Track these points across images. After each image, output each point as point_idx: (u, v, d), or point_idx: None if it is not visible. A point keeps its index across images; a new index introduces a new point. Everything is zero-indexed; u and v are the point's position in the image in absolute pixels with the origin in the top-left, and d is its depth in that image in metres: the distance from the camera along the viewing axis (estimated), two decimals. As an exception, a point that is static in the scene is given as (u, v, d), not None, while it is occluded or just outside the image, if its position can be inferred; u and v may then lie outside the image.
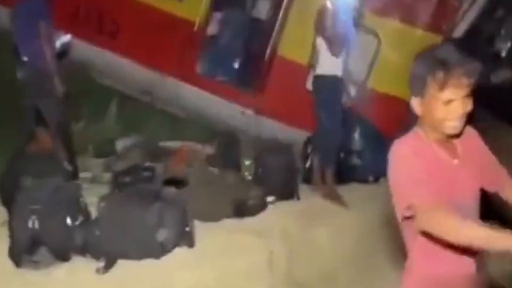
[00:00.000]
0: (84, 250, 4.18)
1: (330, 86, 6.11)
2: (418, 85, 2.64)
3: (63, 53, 6.22)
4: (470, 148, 2.77)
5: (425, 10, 7.22)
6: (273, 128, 7.82)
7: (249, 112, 7.95)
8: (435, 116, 2.64)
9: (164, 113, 8.23)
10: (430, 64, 2.60)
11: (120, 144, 7.10)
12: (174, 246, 4.42)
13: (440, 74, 2.56)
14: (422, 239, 2.64)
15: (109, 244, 4.16)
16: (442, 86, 2.57)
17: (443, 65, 2.57)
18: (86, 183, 6.15)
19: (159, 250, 4.29)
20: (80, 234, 4.15)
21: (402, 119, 6.96)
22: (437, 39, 7.19)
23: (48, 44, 5.60)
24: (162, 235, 4.28)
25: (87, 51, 8.27)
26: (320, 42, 6.10)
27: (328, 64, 6.07)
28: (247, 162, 6.05)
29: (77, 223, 4.16)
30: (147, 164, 6.11)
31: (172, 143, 7.54)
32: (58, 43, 6.02)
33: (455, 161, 2.71)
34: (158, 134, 7.75)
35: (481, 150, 2.83)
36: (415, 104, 2.69)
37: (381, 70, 7.41)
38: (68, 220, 4.11)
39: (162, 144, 7.45)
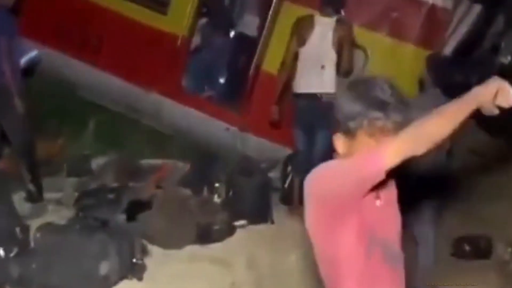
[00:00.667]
0: (19, 283, 3.87)
1: (306, 104, 5.81)
2: (345, 124, 2.31)
3: (30, 70, 5.95)
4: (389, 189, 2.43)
5: (414, 25, 6.85)
6: (259, 145, 7.51)
7: (234, 128, 7.65)
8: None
9: (148, 129, 7.94)
10: (365, 105, 2.26)
11: (96, 163, 6.82)
12: (120, 279, 4.11)
13: (373, 122, 2.24)
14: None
15: (46, 277, 3.86)
16: (372, 133, 2.26)
17: (380, 109, 2.24)
18: (52, 205, 5.88)
19: (102, 284, 3.97)
20: (15, 267, 3.85)
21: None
22: (427, 54, 6.83)
23: (8, 60, 5.32)
24: (105, 267, 3.97)
25: (70, 66, 8.04)
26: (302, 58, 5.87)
27: (305, 82, 5.80)
28: (217, 184, 5.72)
29: (11, 254, 3.86)
30: (114, 185, 5.85)
31: (153, 161, 7.27)
32: (24, 60, 5.75)
33: (377, 202, 2.37)
34: (141, 151, 7.48)
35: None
36: (339, 141, 2.35)
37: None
38: (1, 252, 3.82)
39: (143, 161, 7.18)
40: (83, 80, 8.05)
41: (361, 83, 2.35)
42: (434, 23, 6.82)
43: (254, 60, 7.41)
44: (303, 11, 6.88)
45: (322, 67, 5.84)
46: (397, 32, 6.91)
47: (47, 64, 7.85)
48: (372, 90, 2.27)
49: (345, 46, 5.90)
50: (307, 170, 2.38)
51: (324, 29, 5.84)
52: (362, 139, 2.27)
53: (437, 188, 5.43)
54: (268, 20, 7.29)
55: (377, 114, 2.23)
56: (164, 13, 7.71)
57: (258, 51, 7.36)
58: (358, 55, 7.02)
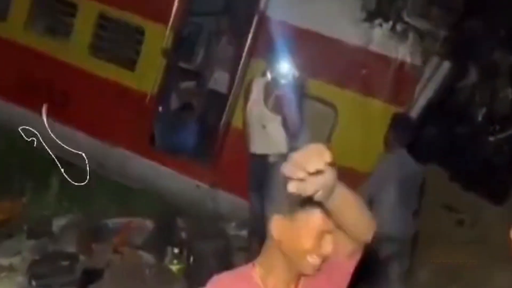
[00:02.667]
0: None
1: (256, 165, 5.55)
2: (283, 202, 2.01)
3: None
4: None
5: (383, 81, 6.61)
6: (230, 202, 7.17)
7: (204, 185, 7.31)
8: (299, 246, 1.99)
9: (114, 185, 7.58)
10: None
11: (57, 224, 6.44)
12: None
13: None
14: None
15: None
16: None
17: None
18: (5, 271, 5.48)
19: None
20: None
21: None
22: (397, 110, 6.58)
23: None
24: None
25: (34, 122, 7.70)
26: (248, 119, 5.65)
27: (253, 143, 5.56)
28: (176, 250, 5.34)
29: None
30: (70, 250, 5.47)
31: (118, 219, 6.89)
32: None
33: None
34: (107, 208, 7.11)
35: None
36: (276, 224, 2.03)
37: (338, 142, 6.77)
38: None
39: (107, 220, 6.80)
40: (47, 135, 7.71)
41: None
42: (403, 79, 6.58)
43: (224, 116, 7.14)
44: None
45: (263, 126, 5.65)
46: (366, 88, 6.66)
47: (10, 119, 7.63)
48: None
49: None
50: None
51: (258, 88, 5.73)
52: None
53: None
54: (237, 76, 7.04)
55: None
56: (131, 69, 7.46)
57: (228, 107, 7.09)
58: (327, 112, 6.80)
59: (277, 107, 5.65)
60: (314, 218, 2.01)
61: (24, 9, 7.83)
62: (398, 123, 5.42)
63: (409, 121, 5.80)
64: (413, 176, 5.38)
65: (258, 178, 5.53)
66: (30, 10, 7.84)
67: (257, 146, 5.62)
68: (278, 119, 5.70)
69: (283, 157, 5.73)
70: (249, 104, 5.71)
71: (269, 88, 5.68)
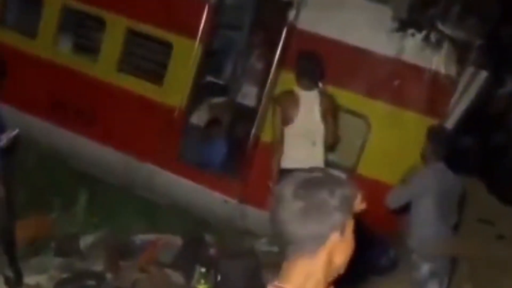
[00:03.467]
0: None
1: None
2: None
3: (9, 149, 5.47)
4: None
5: (417, 92, 6.34)
6: (259, 218, 6.91)
7: (233, 201, 7.09)
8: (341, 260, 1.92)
9: (142, 201, 7.41)
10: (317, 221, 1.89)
11: (85, 241, 6.27)
12: None
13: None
14: None
15: None
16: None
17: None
18: (30, 291, 5.32)
19: None
20: None
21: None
22: (432, 122, 6.30)
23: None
24: None
25: (63, 138, 7.61)
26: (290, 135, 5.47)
27: (294, 158, 5.35)
28: (203, 269, 5.10)
29: None
30: (97, 269, 5.29)
31: (145, 236, 6.71)
32: (4, 139, 5.28)
33: None
34: (134, 225, 6.94)
35: None
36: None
37: (371, 155, 6.52)
38: None
39: (135, 237, 6.61)
40: (76, 152, 7.61)
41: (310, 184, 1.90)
42: (438, 90, 6.30)
43: (253, 131, 6.94)
44: None
45: (313, 143, 5.55)
46: (399, 99, 6.41)
47: (39, 136, 7.55)
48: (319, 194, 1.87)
49: (328, 118, 5.64)
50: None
51: (309, 103, 5.59)
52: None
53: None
54: (266, 90, 6.84)
55: None
56: (159, 84, 7.32)
57: (257, 121, 6.89)
58: (359, 124, 6.56)
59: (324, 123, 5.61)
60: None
61: (53, 26, 7.75)
62: (435, 136, 5.16)
63: (446, 133, 5.52)
64: (453, 189, 5.09)
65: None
66: (59, 27, 7.77)
67: (297, 161, 5.38)
68: (323, 134, 5.69)
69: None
70: (298, 118, 5.57)
71: (311, 104, 5.57)
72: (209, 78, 8.41)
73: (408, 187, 5.14)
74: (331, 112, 5.69)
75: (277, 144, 5.73)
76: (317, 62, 5.70)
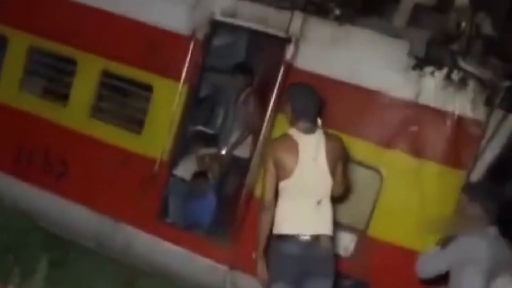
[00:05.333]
0: None
1: (295, 250, 4.27)
2: None
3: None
4: None
5: (439, 139, 5.30)
6: (252, 286, 5.78)
7: (222, 267, 5.94)
8: None
9: (118, 267, 6.25)
10: None
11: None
12: None
13: None
14: None
15: None
16: None
17: None
18: None
19: None
20: None
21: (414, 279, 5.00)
22: (456, 174, 5.26)
23: None
24: None
25: (29, 194, 6.48)
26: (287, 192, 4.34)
27: (295, 223, 4.26)
28: None
29: None
30: None
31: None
32: None
33: None
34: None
35: None
36: None
37: (384, 215, 5.43)
38: None
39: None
40: (44, 210, 6.48)
41: None
42: (462, 136, 5.27)
43: (246, 185, 5.84)
44: None
45: (318, 202, 4.26)
46: (417, 149, 5.34)
47: (2, 192, 6.55)
48: None
49: (337, 167, 4.36)
50: None
51: (311, 150, 4.26)
52: None
53: None
54: (261, 138, 5.77)
55: None
56: (138, 132, 6.24)
57: (249, 174, 5.80)
58: (371, 177, 5.49)
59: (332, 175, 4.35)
60: None
61: (18, 70, 6.71)
62: (479, 194, 4.08)
63: (489, 188, 4.43)
64: (507, 260, 4.02)
65: (297, 266, 4.18)
66: (25, 70, 6.73)
67: (297, 226, 4.26)
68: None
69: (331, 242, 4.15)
70: (297, 170, 4.23)
71: (332, 147, 4.32)
72: (197, 127, 7.40)
73: (448, 254, 4.04)
74: (341, 158, 4.41)
75: (268, 205, 4.30)
76: (314, 93, 4.41)
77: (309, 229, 4.21)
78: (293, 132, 4.33)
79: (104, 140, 6.27)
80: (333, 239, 4.32)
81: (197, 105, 6.78)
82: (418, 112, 5.32)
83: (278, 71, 5.73)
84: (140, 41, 6.19)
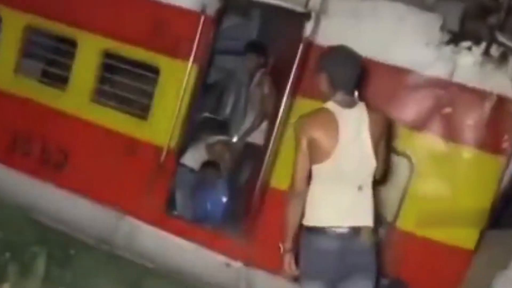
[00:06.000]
0: None
1: (332, 245, 3.66)
2: None
3: None
4: None
5: (475, 121, 4.78)
6: (269, 285, 5.28)
7: (237, 264, 5.44)
8: None
9: (123, 264, 5.75)
10: None
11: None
12: None
13: None
14: None
15: None
16: None
17: None
18: None
19: None
20: None
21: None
22: (495, 161, 4.75)
23: None
24: None
25: (26, 185, 5.98)
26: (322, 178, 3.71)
27: (331, 213, 3.66)
28: None
29: None
30: None
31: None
32: None
33: None
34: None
35: None
36: None
37: (415, 205, 4.91)
38: None
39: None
40: (42, 202, 5.95)
41: None
42: (503, 118, 4.75)
43: (261, 175, 5.33)
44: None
45: (360, 187, 3.64)
46: (451, 132, 4.83)
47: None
48: None
49: (381, 147, 3.74)
50: None
51: (353, 127, 3.62)
52: None
53: None
54: (277, 123, 5.27)
55: None
56: (144, 118, 5.73)
57: (265, 163, 5.28)
58: (400, 164, 4.97)
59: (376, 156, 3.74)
60: None
61: (14, 51, 6.17)
62: None
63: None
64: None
65: (335, 262, 3.62)
66: (20, 52, 6.20)
67: (334, 216, 3.72)
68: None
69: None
70: (337, 150, 3.59)
71: (376, 123, 3.66)
72: (206, 114, 6.90)
73: None
74: (384, 136, 3.77)
75: (299, 192, 3.66)
76: (355, 58, 3.75)
77: (348, 220, 3.61)
78: (330, 105, 3.66)
79: (106, 126, 5.75)
80: (375, 230, 3.72)
81: (205, 92, 6.28)
82: (453, 91, 4.78)
83: (296, 49, 5.21)
84: (145, 19, 5.64)
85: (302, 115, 3.73)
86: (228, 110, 7.49)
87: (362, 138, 3.62)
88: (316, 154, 3.60)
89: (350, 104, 3.67)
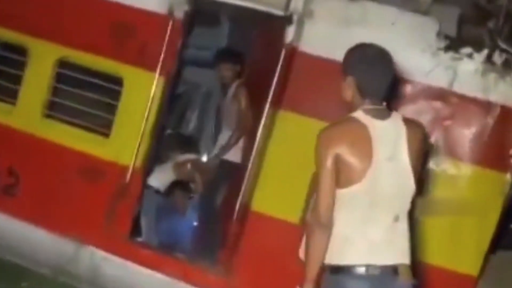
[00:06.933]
0: None
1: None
2: None
3: None
4: None
5: (477, 135, 4.30)
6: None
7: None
8: None
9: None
10: None
11: None
12: None
13: None
14: None
15: None
16: None
17: None
18: None
19: None
20: None
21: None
22: (499, 178, 4.31)
23: None
24: None
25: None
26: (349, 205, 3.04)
27: (360, 249, 2.98)
28: None
29: None
30: None
31: None
32: None
33: None
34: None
35: None
36: None
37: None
38: None
39: None
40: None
41: None
42: (507, 132, 4.32)
43: (240, 197, 4.74)
44: (310, 122, 4.44)
45: (396, 218, 2.95)
46: (451, 148, 4.35)
47: None
48: None
49: (418, 162, 3.06)
50: None
51: (389, 143, 2.94)
52: None
53: None
54: (257, 139, 4.68)
55: None
56: (105, 135, 5.09)
57: (245, 183, 4.70)
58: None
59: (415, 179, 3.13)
60: None
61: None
62: None
63: None
64: None
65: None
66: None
67: (366, 251, 2.92)
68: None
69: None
70: (370, 171, 2.89)
71: (416, 139, 2.97)
72: (169, 131, 6.28)
73: None
74: (422, 153, 3.09)
75: (324, 220, 2.93)
76: (389, 61, 3.08)
77: (382, 258, 2.92)
78: (361, 115, 2.97)
79: (62, 144, 5.08)
80: (413, 268, 3.04)
81: (173, 103, 5.67)
82: (452, 102, 4.33)
83: (276, 57, 4.67)
84: (105, 23, 5.01)
85: (327, 126, 3.00)
86: (191, 126, 6.88)
87: (399, 156, 2.96)
88: (343, 175, 2.91)
89: (383, 115, 2.98)
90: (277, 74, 4.61)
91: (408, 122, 3.04)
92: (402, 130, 2.98)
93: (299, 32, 4.58)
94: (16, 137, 5.21)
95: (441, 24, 4.33)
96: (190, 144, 6.13)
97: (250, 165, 4.67)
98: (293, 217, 4.58)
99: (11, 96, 5.38)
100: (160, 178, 5.68)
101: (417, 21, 4.38)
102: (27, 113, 5.19)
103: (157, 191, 5.64)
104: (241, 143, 5.28)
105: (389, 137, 2.95)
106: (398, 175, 2.95)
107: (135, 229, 5.28)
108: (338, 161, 2.89)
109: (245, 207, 4.72)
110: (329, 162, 2.88)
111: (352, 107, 3.02)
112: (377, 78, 3.00)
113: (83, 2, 5.09)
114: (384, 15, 4.42)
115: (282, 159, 4.64)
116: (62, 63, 5.15)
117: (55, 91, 5.22)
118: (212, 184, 5.47)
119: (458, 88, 4.31)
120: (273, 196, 4.68)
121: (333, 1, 4.55)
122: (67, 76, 5.19)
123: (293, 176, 4.60)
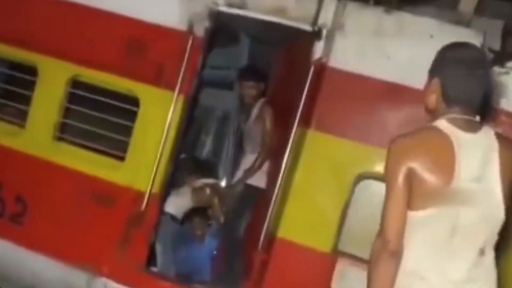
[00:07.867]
0: None
1: None
2: None
3: None
4: None
5: None
6: None
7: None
8: None
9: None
10: None
11: None
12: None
13: None
14: None
15: None
16: None
17: None
18: None
19: None
20: None
21: None
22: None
23: None
24: None
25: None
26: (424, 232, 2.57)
27: (437, 279, 2.56)
28: None
29: None
30: None
31: None
32: None
33: None
34: None
35: None
36: None
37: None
38: None
39: None
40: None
41: None
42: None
43: (266, 223, 4.35)
44: (342, 143, 4.09)
45: (481, 251, 2.49)
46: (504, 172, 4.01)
47: None
48: None
49: (509, 187, 2.57)
50: None
51: (477, 161, 2.45)
52: None
53: None
54: (284, 162, 4.32)
55: None
56: (120, 158, 4.71)
57: (271, 209, 4.33)
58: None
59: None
60: None
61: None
62: None
63: None
64: None
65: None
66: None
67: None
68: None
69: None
70: (444, 198, 2.42)
71: (509, 165, 2.48)
72: (183, 155, 5.92)
73: None
74: None
75: (393, 247, 2.46)
76: (485, 66, 2.61)
77: None
78: (444, 125, 2.52)
79: (75, 169, 4.71)
80: None
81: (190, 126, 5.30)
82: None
83: (303, 74, 4.34)
84: (120, 40, 4.67)
85: (400, 135, 2.53)
86: (206, 150, 6.52)
87: (489, 178, 2.47)
88: (417, 194, 2.43)
89: (472, 127, 2.52)
90: (305, 92, 4.25)
91: (502, 139, 2.55)
92: (494, 148, 2.50)
93: (328, 47, 4.24)
94: (25, 161, 4.86)
95: (485, 36, 3.99)
96: (207, 168, 5.75)
97: (276, 190, 4.27)
98: (323, 245, 4.23)
99: (19, 118, 5.06)
100: (176, 204, 5.29)
101: (458, 34, 4.00)
102: (37, 136, 4.82)
103: (173, 218, 5.26)
104: (265, 166, 4.91)
105: (477, 153, 2.47)
106: (487, 200, 2.47)
107: (151, 258, 4.92)
108: (412, 176, 2.42)
109: (271, 234, 4.33)
110: (401, 178, 2.43)
111: (434, 116, 2.56)
112: (470, 83, 2.54)
113: (97, 17, 4.74)
114: (422, 27, 4.07)
115: (311, 183, 4.28)
116: (74, 83, 4.81)
117: (66, 112, 4.86)
118: (234, 210, 5.07)
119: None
120: (301, 223, 4.32)
121: (366, 13, 4.21)
122: (79, 97, 4.84)
123: (323, 201, 4.24)
